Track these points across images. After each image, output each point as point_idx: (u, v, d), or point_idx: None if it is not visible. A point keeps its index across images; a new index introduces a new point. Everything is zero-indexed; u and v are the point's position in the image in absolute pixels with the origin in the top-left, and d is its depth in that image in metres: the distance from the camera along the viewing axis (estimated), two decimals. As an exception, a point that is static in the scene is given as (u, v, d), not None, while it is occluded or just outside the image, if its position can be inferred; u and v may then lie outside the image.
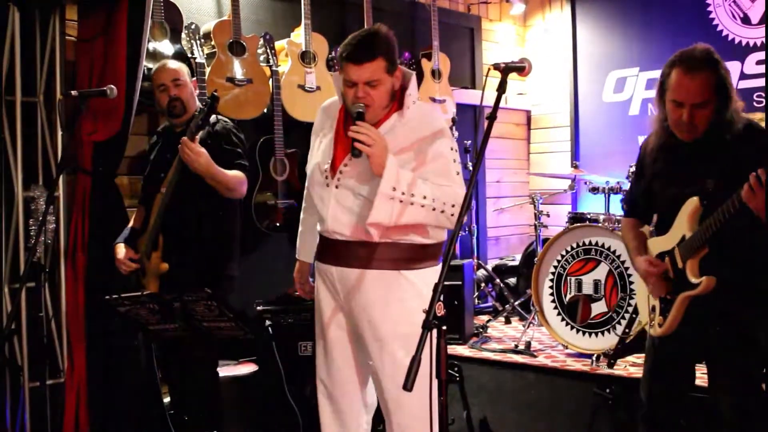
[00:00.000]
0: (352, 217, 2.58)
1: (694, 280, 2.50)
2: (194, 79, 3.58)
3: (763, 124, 4.05)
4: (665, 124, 2.58)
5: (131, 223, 3.52)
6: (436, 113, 2.71)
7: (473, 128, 5.87)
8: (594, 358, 3.94)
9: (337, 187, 2.60)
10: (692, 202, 2.51)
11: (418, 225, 2.57)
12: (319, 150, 2.74)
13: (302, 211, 3.00)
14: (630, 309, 3.98)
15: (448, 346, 2.35)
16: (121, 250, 3.34)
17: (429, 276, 2.59)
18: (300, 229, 3.01)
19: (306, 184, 2.97)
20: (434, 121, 2.63)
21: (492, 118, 2.16)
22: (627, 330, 3.86)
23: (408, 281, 2.60)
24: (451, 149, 2.59)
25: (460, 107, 5.52)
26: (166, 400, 3.67)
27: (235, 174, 3.27)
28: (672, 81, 2.49)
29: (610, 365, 3.79)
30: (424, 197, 2.47)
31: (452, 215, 2.51)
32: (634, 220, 2.85)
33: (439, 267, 2.61)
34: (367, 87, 2.52)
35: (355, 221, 2.59)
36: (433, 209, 2.48)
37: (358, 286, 2.61)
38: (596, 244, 4.19)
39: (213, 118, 3.33)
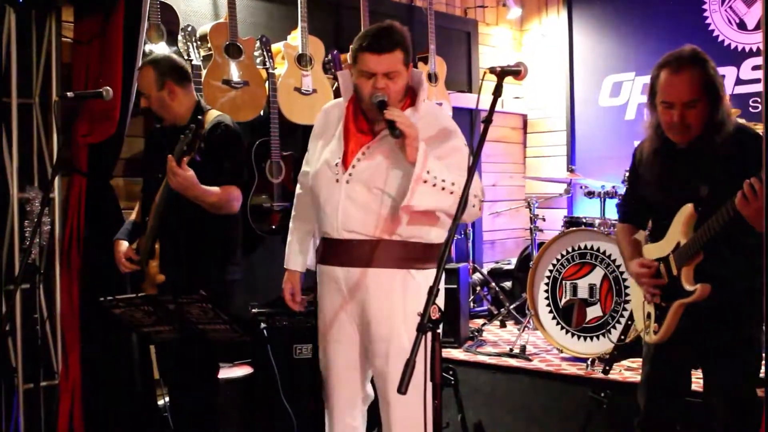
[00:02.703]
0: (364, 213, 2.56)
1: (689, 288, 2.48)
2: (168, 79, 3.19)
3: (760, 130, 4.10)
4: (659, 130, 2.57)
5: (133, 216, 3.43)
6: (445, 112, 2.77)
7: (469, 132, 5.86)
8: (589, 362, 3.94)
9: (348, 182, 2.58)
10: (687, 209, 2.49)
11: (424, 222, 2.57)
12: (326, 150, 2.69)
13: (292, 219, 2.94)
14: (625, 314, 3.98)
15: (443, 350, 2.35)
16: (120, 247, 3.28)
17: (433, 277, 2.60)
18: (289, 238, 2.94)
19: (298, 191, 2.92)
20: (445, 119, 2.72)
21: (488, 121, 2.16)
22: (623, 337, 3.84)
23: (415, 281, 2.60)
24: (464, 145, 2.66)
25: (457, 111, 5.52)
26: (162, 402, 3.66)
27: (224, 193, 3.11)
28: (661, 82, 2.49)
29: (606, 372, 3.77)
30: (453, 184, 2.47)
31: (474, 206, 2.53)
32: (629, 225, 2.84)
33: None
34: (386, 79, 2.53)
35: (368, 217, 2.56)
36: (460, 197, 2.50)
37: (365, 286, 2.59)
38: (592, 248, 4.19)
39: (214, 118, 3.23)
